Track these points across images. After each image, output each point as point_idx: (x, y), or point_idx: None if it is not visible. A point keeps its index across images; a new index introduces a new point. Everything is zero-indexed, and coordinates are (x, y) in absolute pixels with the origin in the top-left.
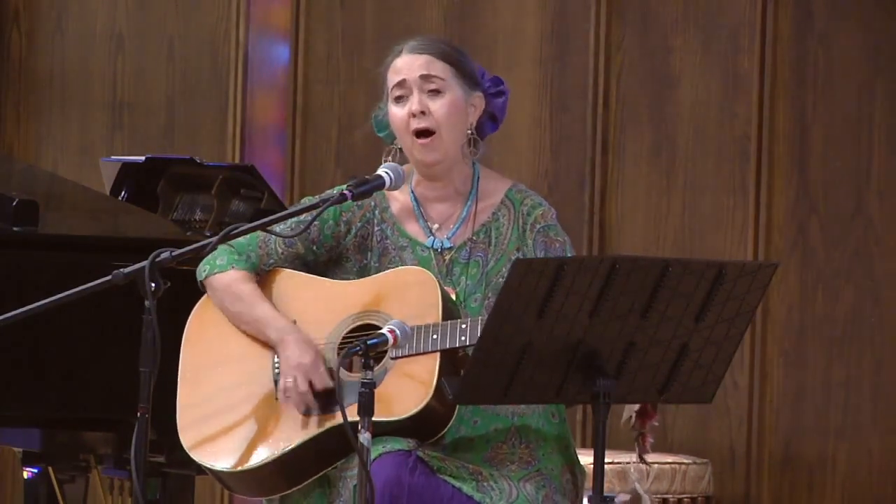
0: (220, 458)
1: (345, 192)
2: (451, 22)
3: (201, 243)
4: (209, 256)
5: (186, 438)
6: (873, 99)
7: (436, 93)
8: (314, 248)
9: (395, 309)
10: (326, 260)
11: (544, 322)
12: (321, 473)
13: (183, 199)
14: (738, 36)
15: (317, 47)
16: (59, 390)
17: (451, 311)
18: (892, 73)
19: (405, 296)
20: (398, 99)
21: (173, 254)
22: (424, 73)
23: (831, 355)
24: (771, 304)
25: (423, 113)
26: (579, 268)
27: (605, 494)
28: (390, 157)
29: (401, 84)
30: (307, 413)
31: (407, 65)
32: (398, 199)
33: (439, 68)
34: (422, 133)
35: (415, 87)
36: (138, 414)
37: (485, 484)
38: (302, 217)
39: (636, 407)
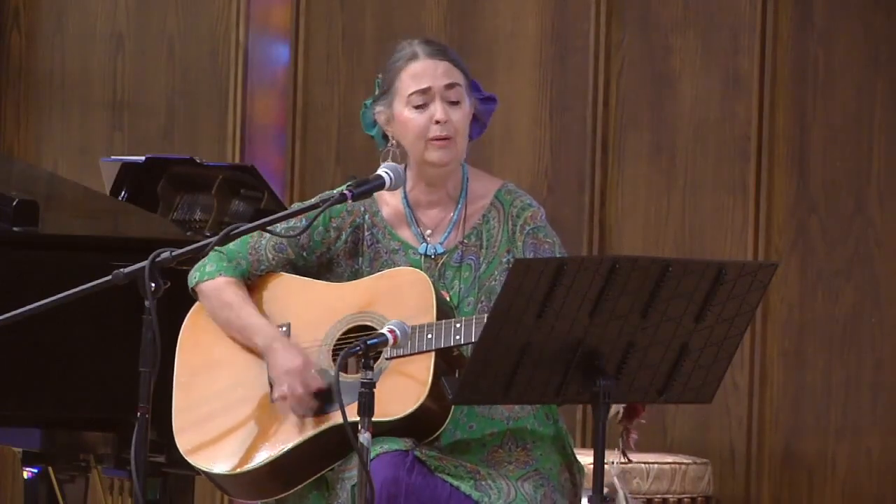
0: (215, 460)
1: (345, 192)
2: (451, 22)
3: (201, 243)
4: (199, 263)
5: (182, 441)
6: (873, 99)
7: (455, 103)
8: (304, 254)
9: (389, 310)
10: (317, 265)
11: (544, 322)
12: (317, 476)
13: (183, 199)
14: (738, 36)
15: (317, 47)
16: (58, 390)
17: (445, 311)
18: (892, 73)
19: (399, 296)
20: (419, 106)
21: (173, 254)
22: (449, 82)
23: (831, 355)
24: (771, 304)
25: (446, 122)
26: (579, 268)
27: (605, 494)
28: (390, 159)
29: (425, 91)
30: (304, 415)
31: (429, 71)
32: (389, 204)
33: (458, 77)
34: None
35: (438, 95)
36: (138, 414)
37: (483, 483)
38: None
39: (625, 402)
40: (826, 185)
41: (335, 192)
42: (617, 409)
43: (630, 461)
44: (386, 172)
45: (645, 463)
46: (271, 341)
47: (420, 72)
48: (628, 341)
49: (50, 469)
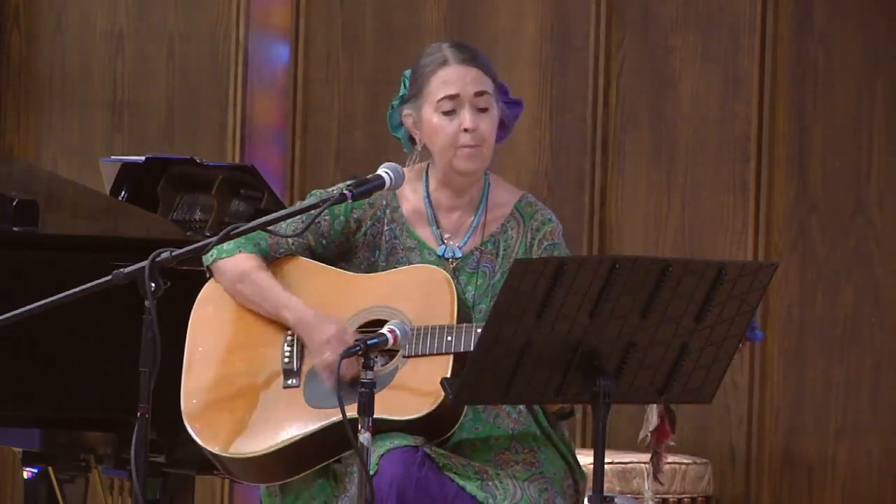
0: (223, 443)
1: (345, 192)
2: (451, 22)
3: (201, 243)
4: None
5: (191, 422)
6: (873, 99)
7: (484, 110)
8: (323, 241)
9: (408, 306)
10: (335, 254)
11: (544, 322)
12: (322, 465)
13: (183, 199)
14: (738, 36)
15: (317, 47)
16: (59, 390)
17: (465, 313)
18: (892, 73)
19: (420, 294)
20: (447, 112)
21: (173, 254)
22: (479, 89)
23: (831, 355)
24: (771, 304)
25: (475, 130)
26: (579, 268)
27: (605, 494)
28: (414, 161)
29: (453, 97)
30: (352, 378)
31: (460, 78)
32: (409, 201)
33: (488, 84)
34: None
35: (467, 102)
36: (138, 414)
37: (489, 483)
38: (304, 216)
39: (652, 426)
40: (826, 185)
41: (334, 191)
42: (645, 433)
43: (663, 484)
44: (386, 172)
45: (645, 463)
46: (301, 314)
47: (450, 78)
48: (628, 341)
49: (50, 469)
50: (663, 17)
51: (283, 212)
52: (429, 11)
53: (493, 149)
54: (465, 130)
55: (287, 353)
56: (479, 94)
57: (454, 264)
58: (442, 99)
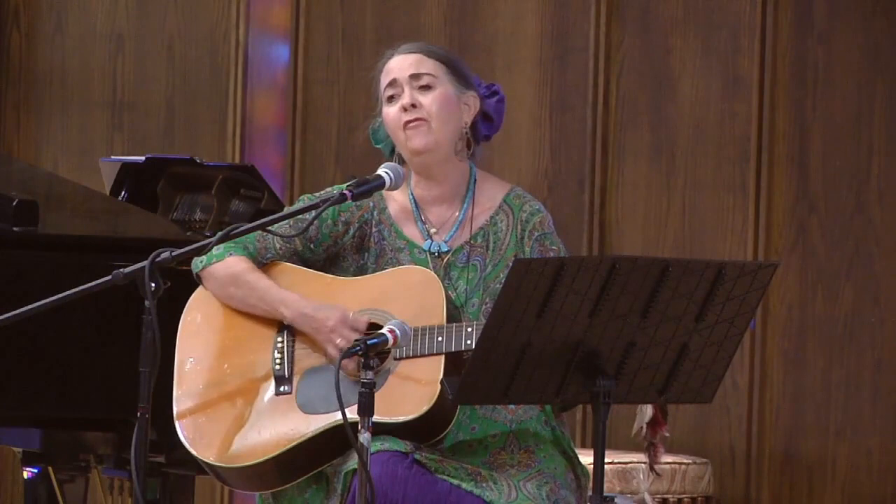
0: (217, 452)
1: (345, 192)
2: (451, 22)
3: (201, 243)
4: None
5: (184, 431)
6: (873, 99)
7: (426, 88)
8: (312, 246)
9: (398, 308)
10: (324, 258)
11: (544, 322)
12: (316, 471)
13: (183, 199)
14: (738, 36)
15: (317, 47)
16: (58, 390)
17: (453, 313)
18: (892, 73)
19: (409, 295)
20: (390, 99)
21: (173, 254)
22: (414, 71)
23: (831, 355)
24: (771, 304)
25: (413, 106)
26: (579, 268)
27: (605, 494)
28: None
29: (392, 84)
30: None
31: (397, 65)
32: (396, 201)
33: (429, 65)
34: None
35: (406, 84)
36: (138, 414)
37: (483, 484)
38: (301, 217)
39: (647, 417)
40: (826, 184)
41: (334, 191)
42: (640, 424)
43: (659, 475)
44: (386, 172)
45: (645, 463)
46: (299, 307)
47: (390, 67)
48: (628, 341)
49: (50, 469)
50: (663, 17)
51: (283, 213)
52: (429, 11)
53: (451, 128)
54: (405, 109)
55: (278, 360)
56: (416, 75)
57: (445, 259)
58: (385, 88)
